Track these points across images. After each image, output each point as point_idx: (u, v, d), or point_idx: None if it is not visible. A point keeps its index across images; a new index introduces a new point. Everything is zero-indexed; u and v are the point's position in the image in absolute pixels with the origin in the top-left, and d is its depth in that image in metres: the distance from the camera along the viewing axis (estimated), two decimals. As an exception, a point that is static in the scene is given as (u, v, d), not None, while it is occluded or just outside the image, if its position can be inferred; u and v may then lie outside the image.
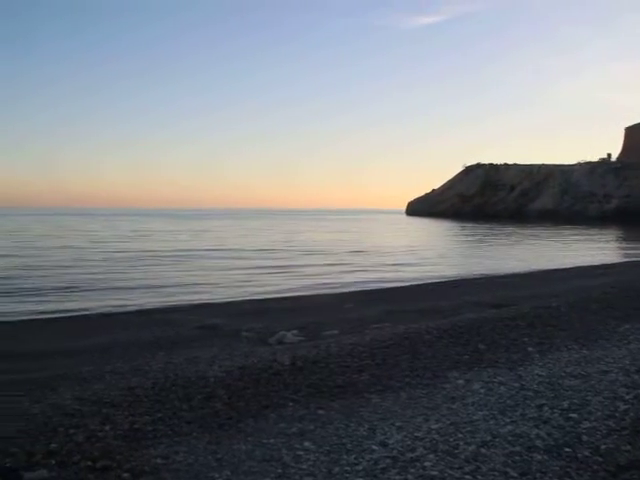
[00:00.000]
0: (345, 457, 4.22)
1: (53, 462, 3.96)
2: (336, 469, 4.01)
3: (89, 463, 3.95)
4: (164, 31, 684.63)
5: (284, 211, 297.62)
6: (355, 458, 4.19)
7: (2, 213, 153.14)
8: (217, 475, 3.91)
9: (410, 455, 4.23)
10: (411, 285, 20.50)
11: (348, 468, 4.02)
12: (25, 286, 20.12)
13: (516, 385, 5.91)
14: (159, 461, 4.07)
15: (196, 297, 18.19)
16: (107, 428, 4.57)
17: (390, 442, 4.48)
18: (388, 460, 4.14)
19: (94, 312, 15.66)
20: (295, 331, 9.88)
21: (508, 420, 4.93)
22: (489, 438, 4.53)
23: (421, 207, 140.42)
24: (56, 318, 14.81)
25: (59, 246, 38.68)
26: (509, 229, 69.49)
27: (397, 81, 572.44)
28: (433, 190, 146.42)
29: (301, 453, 4.30)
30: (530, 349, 7.42)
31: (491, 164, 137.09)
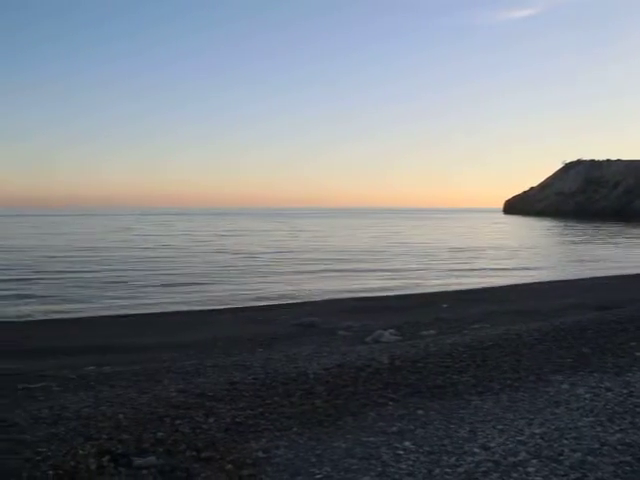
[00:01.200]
0: (445, 458, 4.15)
1: (161, 450, 4.11)
2: (436, 470, 3.95)
3: (194, 453, 4.07)
4: (251, 29, 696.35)
5: (376, 210, 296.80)
6: (456, 460, 4.12)
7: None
8: (317, 471, 3.94)
9: (512, 459, 4.11)
10: (509, 285, 20.00)
11: (449, 470, 3.95)
12: (136, 282, 21.15)
13: (624, 392, 5.62)
14: (260, 454, 4.14)
15: (293, 294, 18.48)
16: (211, 420, 4.70)
17: (492, 445, 4.37)
18: (490, 464, 4.04)
19: (195, 309, 16.21)
20: (392, 330, 9.83)
21: (617, 428, 4.69)
22: (596, 446, 4.33)
23: (519, 205, 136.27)
24: (161, 313, 15.43)
25: (162, 245, 40.31)
26: (615, 228, 66.34)
27: (493, 82, 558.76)
28: (531, 188, 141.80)
29: (401, 452, 4.27)
30: (638, 354, 7.05)
31: (592, 160, 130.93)
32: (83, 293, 19.10)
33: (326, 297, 17.59)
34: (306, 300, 17.05)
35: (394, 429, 4.72)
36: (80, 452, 4.04)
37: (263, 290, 19.31)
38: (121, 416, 4.80)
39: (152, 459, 3.93)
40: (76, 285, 20.60)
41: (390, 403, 5.32)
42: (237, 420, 4.74)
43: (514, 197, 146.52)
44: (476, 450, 4.28)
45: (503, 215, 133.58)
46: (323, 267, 26.64)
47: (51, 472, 3.75)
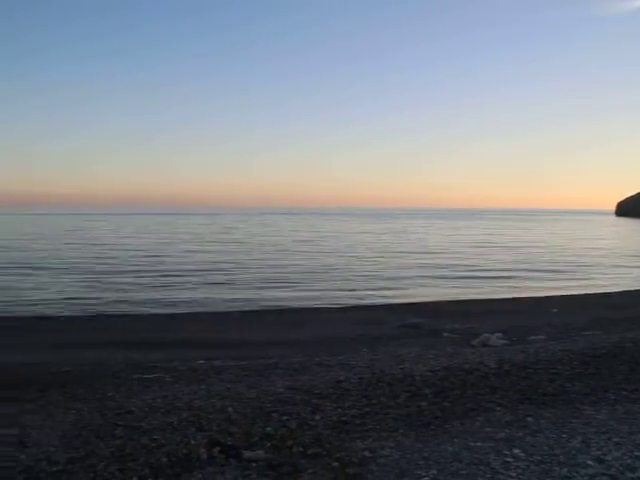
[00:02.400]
0: (557, 469, 3.95)
1: (269, 444, 4.17)
2: (548, 481, 3.79)
3: (301, 449, 4.10)
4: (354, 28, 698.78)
5: (476, 211, 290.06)
6: (568, 471, 3.92)
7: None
8: (424, 473, 3.86)
9: (630, 475, 3.86)
10: (623, 291, 19.04)
11: (561, 481, 3.78)
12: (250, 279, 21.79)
13: None
14: (367, 454, 4.11)
15: (398, 295, 18.41)
16: (317, 418, 4.72)
17: (607, 459, 4.13)
18: (605, 477, 3.81)
19: (303, 305, 16.51)
20: (499, 334, 9.56)
21: None
22: None
23: (635, 207, 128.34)
24: (271, 310, 15.82)
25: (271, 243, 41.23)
26: None
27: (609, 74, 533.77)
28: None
29: (510, 460, 4.11)
30: None
31: None
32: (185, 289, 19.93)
33: (429, 299, 17.42)
34: (411, 301, 16.94)
35: (502, 435, 4.56)
36: (192, 442, 4.18)
37: (369, 289, 19.39)
38: (230, 409, 4.92)
39: (260, 453, 4.00)
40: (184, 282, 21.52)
41: (498, 408, 5.16)
42: (343, 419, 4.74)
43: (629, 198, 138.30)
44: (590, 462, 4.06)
45: (616, 218, 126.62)
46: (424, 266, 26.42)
47: (165, 459, 3.89)
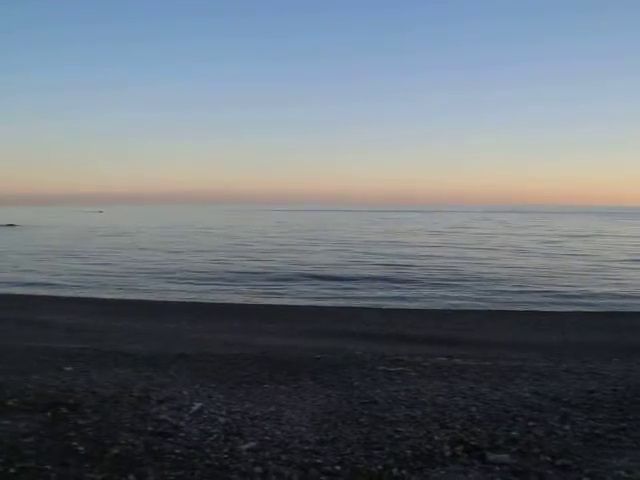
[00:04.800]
0: None
1: (513, 449, 4.04)
2: None
3: (548, 458, 3.92)
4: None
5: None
6: None
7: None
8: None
9: None
10: None
11: None
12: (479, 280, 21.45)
13: None
14: (622, 474, 3.79)
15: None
16: (566, 427, 4.47)
17: None
18: None
19: (543, 309, 15.78)
20: None
21: None
22: None
23: None
24: (512, 311, 15.39)
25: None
26: None
27: None
28: None
29: None
30: None
31: None
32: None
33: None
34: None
35: None
36: (435, 437, 4.21)
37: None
38: (474, 409, 4.86)
39: (505, 457, 3.90)
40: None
41: None
42: (596, 432, 4.42)
43: None
44: None
45: None
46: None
47: (409, 452, 3.96)
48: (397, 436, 4.25)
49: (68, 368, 6.29)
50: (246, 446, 4.07)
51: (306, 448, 4.05)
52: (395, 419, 4.63)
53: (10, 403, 4.95)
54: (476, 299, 17.97)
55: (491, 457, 3.87)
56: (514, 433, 4.31)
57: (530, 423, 4.54)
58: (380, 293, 19.03)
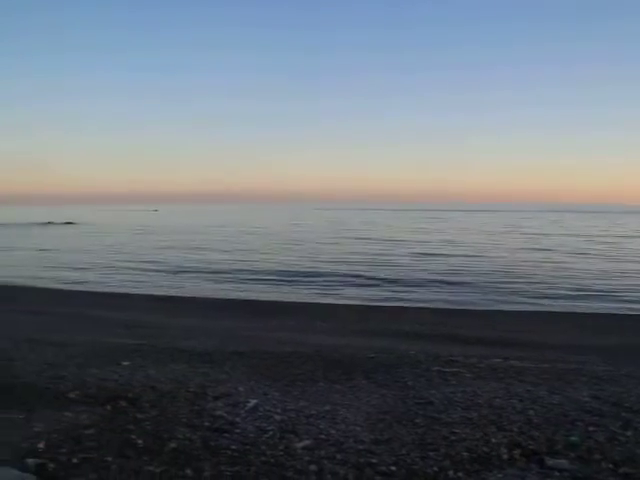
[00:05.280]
0: None
1: (573, 455, 3.95)
2: None
3: (610, 465, 3.81)
4: None
5: None
6: None
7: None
8: None
9: None
10: None
11: None
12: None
13: None
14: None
15: None
16: (629, 434, 4.34)
17: None
18: None
19: (601, 311, 15.44)
20: None
21: None
22: None
23: None
24: (559, 312, 15.10)
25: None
26: None
27: None
28: None
29: None
30: None
31: None
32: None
33: None
34: None
35: None
36: (492, 440, 4.15)
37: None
38: (532, 412, 4.77)
39: (564, 462, 3.81)
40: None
41: None
42: (660, 439, 4.29)
43: None
44: None
45: None
46: None
47: (465, 454, 3.92)
48: (453, 438, 4.21)
49: (126, 363, 6.43)
50: (301, 444, 4.09)
51: (361, 447, 4.05)
52: (451, 420, 4.59)
53: (72, 395, 5.10)
54: (531, 300, 17.65)
55: (550, 462, 3.79)
56: (573, 438, 4.21)
57: (590, 428, 4.43)
58: (431, 295, 18.88)
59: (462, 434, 4.26)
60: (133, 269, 26.09)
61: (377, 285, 20.88)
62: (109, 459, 3.79)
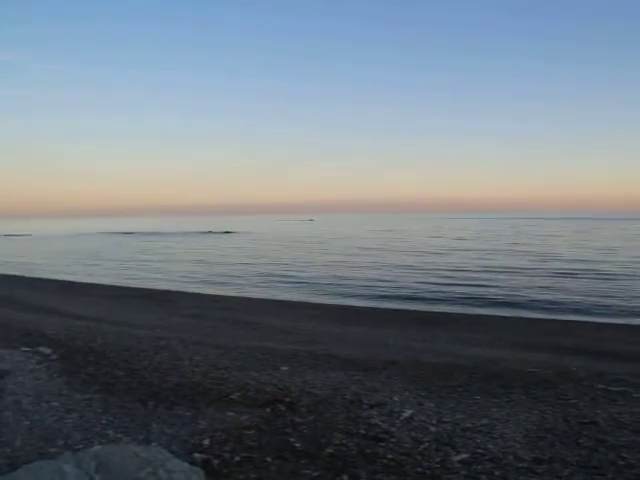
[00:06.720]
0: None
1: None
2: None
3: None
4: None
5: None
6: None
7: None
8: None
9: None
10: None
11: None
12: None
13: None
14: None
15: None
16: None
17: None
18: None
19: None
20: None
21: None
22: None
23: None
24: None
25: None
26: None
27: None
28: None
29: None
30: None
31: None
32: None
33: None
34: None
35: None
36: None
37: None
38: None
39: None
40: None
41: None
42: None
43: None
44: None
45: None
46: None
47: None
48: (621, 462, 3.96)
49: (284, 368, 6.67)
50: (458, 457, 4.04)
51: (521, 465, 3.93)
52: (618, 444, 4.32)
53: (234, 397, 5.38)
54: None
55: None
56: None
57: None
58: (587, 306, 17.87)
59: (631, 460, 4.00)
60: (285, 277, 26.91)
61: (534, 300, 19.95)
62: (268, 460, 3.97)
